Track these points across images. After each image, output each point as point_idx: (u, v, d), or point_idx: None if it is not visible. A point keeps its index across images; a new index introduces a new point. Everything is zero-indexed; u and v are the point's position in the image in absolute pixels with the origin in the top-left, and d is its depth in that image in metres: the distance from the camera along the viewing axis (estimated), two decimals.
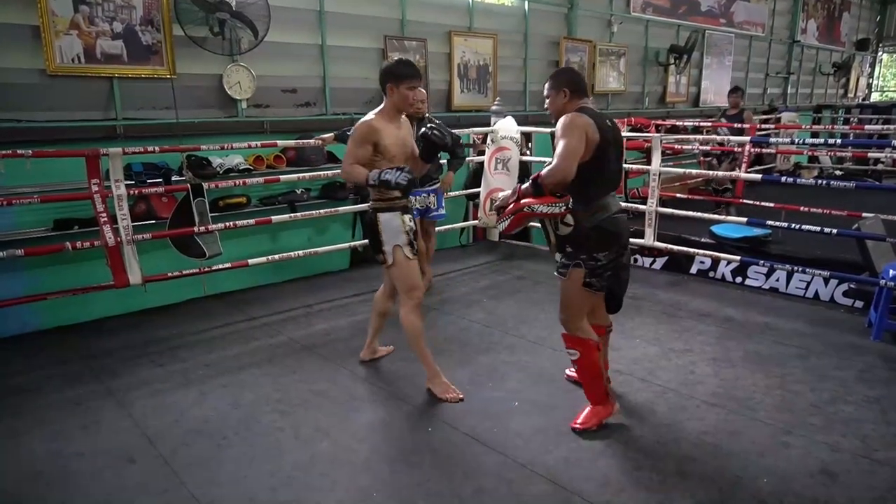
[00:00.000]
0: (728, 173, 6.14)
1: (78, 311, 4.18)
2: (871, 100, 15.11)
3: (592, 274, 2.64)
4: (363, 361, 3.53)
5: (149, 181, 4.21)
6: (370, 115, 2.98)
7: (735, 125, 7.12)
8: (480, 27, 6.61)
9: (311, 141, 4.56)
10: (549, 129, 5.91)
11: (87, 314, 4.23)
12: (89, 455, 2.63)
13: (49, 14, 3.88)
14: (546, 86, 2.73)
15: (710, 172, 6.82)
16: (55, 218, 4.02)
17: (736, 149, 6.89)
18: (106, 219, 3.66)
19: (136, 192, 3.98)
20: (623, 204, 6.03)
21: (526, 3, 7.05)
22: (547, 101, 2.74)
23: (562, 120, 2.57)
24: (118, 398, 3.13)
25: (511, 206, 2.57)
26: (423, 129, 3.03)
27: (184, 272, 4.11)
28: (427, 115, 4.59)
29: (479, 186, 5.72)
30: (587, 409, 2.82)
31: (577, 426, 2.77)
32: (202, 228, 4.08)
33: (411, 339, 3.12)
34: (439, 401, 3.04)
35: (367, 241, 3.17)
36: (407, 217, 3.05)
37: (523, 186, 2.58)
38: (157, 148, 3.95)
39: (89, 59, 4.09)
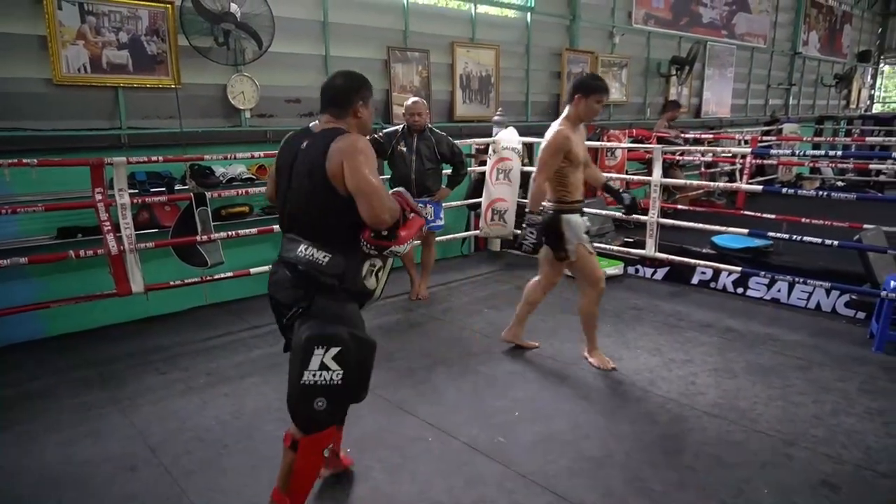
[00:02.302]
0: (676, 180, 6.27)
1: (82, 319, 4.19)
2: (873, 111, 15.14)
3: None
4: (503, 340, 3.84)
5: (152, 190, 4.23)
6: (557, 125, 3.29)
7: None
8: (483, 38, 6.65)
9: None
10: None
11: (90, 322, 4.24)
12: (95, 462, 2.64)
13: (56, 24, 3.92)
14: None
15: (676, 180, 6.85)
16: (59, 226, 4.03)
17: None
18: (109, 227, 3.69)
19: (140, 200, 4.00)
20: (617, 214, 6.03)
21: (528, 14, 7.10)
22: None
23: None
24: (122, 406, 3.14)
25: None
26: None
27: (186, 281, 4.12)
28: (428, 126, 4.62)
29: (480, 196, 5.74)
30: None
31: None
32: (204, 237, 4.10)
33: (589, 322, 3.54)
34: (594, 367, 3.53)
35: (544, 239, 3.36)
36: (585, 218, 3.42)
37: None
38: (160, 157, 3.99)
39: (95, 69, 4.13)
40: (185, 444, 2.78)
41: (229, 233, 4.30)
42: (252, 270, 4.39)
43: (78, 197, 3.82)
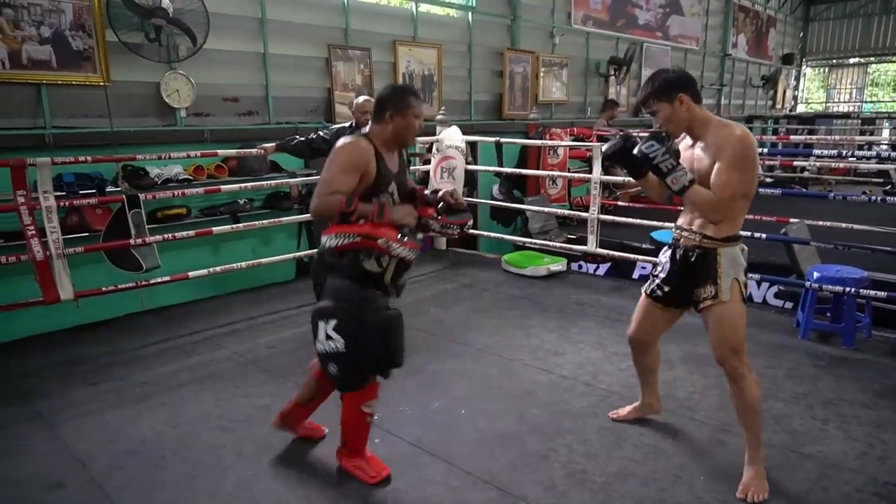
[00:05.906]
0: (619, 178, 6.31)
1: (6, 330, 3.95)
2: (797, 111, 15.94)
3: None
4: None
5: (81, 192, 4.04)
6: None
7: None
8: (425, 37, 6.65)
9: (253, 151, 4.48)
10: (492, 139, 6.01)
11: (14, 332, 4.01)
12: (14, 483, 2.49)
13: None
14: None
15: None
16: None
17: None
18: (34, 232, 3.50)
19: (68, 203, 3.81)
20: (566, 212, 6.14)
21: (470, 14, 7.14)
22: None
23: None
24: (47, 420, 2.98)
25: None
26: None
27: (119, 286, 3.95)
28: None
29: None
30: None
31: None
32: (139, 241, 3.95)
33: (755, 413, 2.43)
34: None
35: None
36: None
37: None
38: (89, 158, 3.81)
39: (15, 65, 3.91)
40: (118, 457, 2.66)
41: (165, 235, 4.15)
42: (191, 274, 4.24)
43: None
